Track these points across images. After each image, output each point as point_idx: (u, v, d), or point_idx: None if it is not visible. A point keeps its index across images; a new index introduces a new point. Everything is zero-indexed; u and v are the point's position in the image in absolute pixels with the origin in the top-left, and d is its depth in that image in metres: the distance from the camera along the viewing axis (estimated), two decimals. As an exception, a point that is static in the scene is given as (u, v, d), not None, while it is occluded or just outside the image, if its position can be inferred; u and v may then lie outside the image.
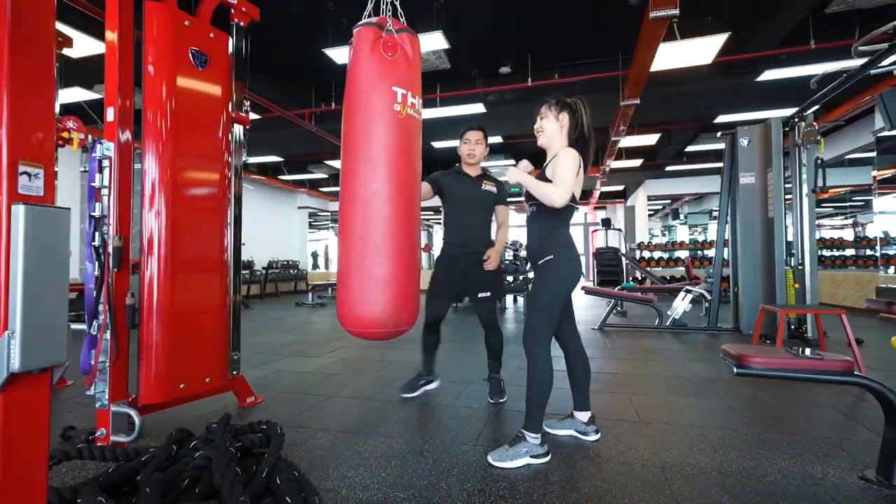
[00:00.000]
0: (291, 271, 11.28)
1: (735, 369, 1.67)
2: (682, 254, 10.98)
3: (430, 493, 1.53)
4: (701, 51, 4.49)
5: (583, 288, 5.81)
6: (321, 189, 12.60)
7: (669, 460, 1.78)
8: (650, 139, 7.74)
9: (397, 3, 1.99)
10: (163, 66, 2.08)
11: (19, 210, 0.72)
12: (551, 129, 1.93)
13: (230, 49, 2.41)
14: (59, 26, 3.77)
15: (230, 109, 2.39)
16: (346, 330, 1.81)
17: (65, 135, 2.13)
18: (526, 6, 4.29)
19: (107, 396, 1.90)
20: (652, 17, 3.41)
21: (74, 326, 2.18)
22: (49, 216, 0.77)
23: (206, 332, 2.23)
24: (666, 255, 11.13)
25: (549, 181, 1.82)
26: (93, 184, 1.89)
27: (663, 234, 20.07)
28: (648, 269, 10.06)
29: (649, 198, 11.71)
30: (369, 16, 1.94)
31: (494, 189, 2.56)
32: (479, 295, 2.48)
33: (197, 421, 2.20)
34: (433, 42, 4.14)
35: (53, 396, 2.64)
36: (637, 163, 9.46)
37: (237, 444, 1.67)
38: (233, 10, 2.48)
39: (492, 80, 5.69)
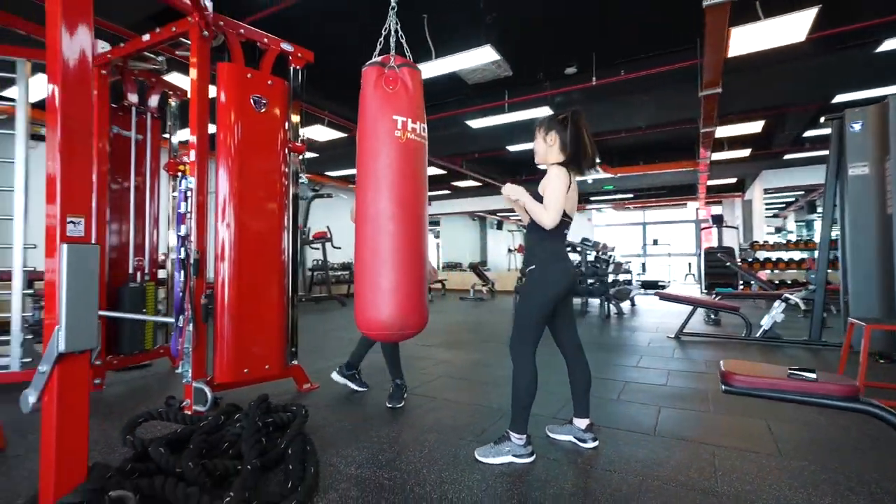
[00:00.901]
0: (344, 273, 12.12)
1: (722, 387, 1.60)
2: (802, 255, 9.46)
3: (409, 477, 1.75)
4: (789, 28, 3.97)
5: (656, 293, 5.45)
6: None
7: (658, 475, 1.75)
8: (754, 127, 6.88)
9: (403, 41, 2.23)
10: (229, 111, 2.60)
11: (65, 248, 1.12)
12: (540, 148, 2.02)
13: (287, 91, 2.87)
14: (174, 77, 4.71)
15: (286, 140, 2.86)
16: (360, 331, 2.10)
17: (181, 167, 2.73)
18: (582, 7, 4.22)
19: (190, 375, 2.44)
20: (706, 6, 3.16)
21: (157, 318, 2.81)
22: (84, 250, 1.16)
23: (266, 326, 2.70)
24: (789, 256, 9.68)
25: (540, 197, 1.91)
26: (180, 210, 2.46)
27: (799, 231, 17.33)
28: (753, 272, 8.88)
29: (766, 191, 10.28)
30: (381, 52, 2.22)
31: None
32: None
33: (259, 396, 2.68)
34: (485, 55, 4.30)
35: (169, 375, 3.39)
36: (744, 153, 8.43)
37: (268, 419, 2.06)
38: (290, 57, 2.95)
39: (560, 82, 5.63)
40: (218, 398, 2.60)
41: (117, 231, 3.28)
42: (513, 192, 1.98)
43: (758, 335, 4.54)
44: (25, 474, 1.75)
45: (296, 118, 2.97)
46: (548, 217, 1.83)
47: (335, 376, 2.92)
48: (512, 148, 7.90)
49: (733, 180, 12.05)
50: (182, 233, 2.45)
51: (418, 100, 2.11)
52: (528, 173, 10.74)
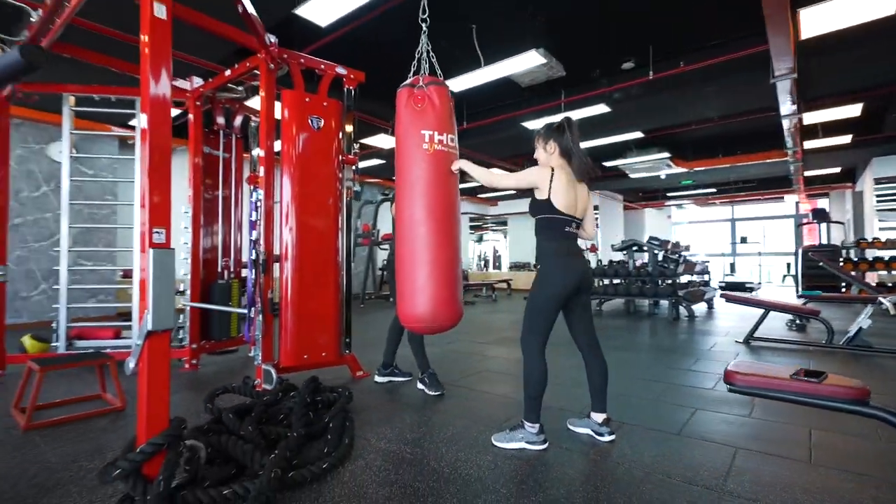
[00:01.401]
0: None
1: (726, 386, 1.62)
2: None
3: (429, 453, 1.96)
4: (875, 2, 3.58)
5: (722, 294, 5.12)
6: (480, 196, 13.55)
7: (666, 469, 1.79)
8: (851, 110, 6.13)
9: (434, 62, 2.44)
10: (291, 130, 3.00)
11: (151, 252, 1.49)
12: (542, 157, 2.14)
13: (340, 109, 3.23)
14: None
15: (339, 152, 3.21)
16: (401, 323, 2.35)
17: (258, 180, 3.20)
18: (635, 2, 4.13)
19: (259, 358, 2.87)
20: (758, -8, 3.00)
21: (239, 310, 3.30)
22: (166, 254, 1.52)
23: (323, 319, 3.07)
24: (907, 255, 8.42)
25: (538, 200, 2.04)
26: (251, 218, 2.90)
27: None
28: (860, 272, 7.85)
29: (878, 181, 8.99)
30: (416, 73, 2.44)
31: None
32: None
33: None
34: (534, 59, 4.38)
35: (250, 358, 3.92)
36: (844, 139, 7.51)
37: (317, 398, 2.39)
38: (344, 79, 3.31)
39: (617, 78, 5.50)
40: (284, 379, 3.01)
41: (209, 235, 3.88)
42: (459, 164, 2.17)
43: (842, 342, 4.12)
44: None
45: (349, 128, 3.31)
46: (497, 177, 2.12)
47: (378, 379, 3.14)
48: (573, 146, 7.80)
49: (837, 170, 10.70)
50: (253, 237, 2.89)
51: (445, 113, 2.29)
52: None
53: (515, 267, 14.89)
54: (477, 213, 14.38)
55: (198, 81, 3.65)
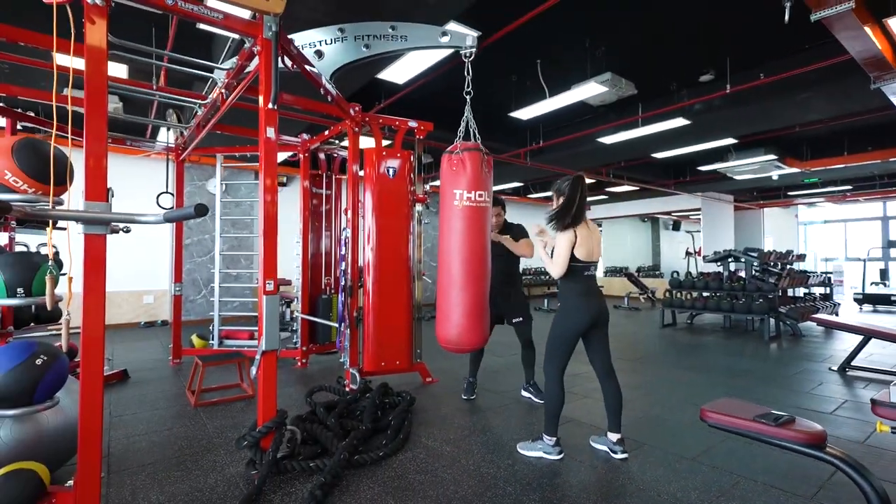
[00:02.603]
0: (543, 277, 12.65)
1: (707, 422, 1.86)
2: None
3: (462, 452, 2.46)
4: None
5: (812, 318, 4.72)
6: (570, 201, 13.43)
7: (654, 487, 2.06)
8: None
9: (474, 129, 2.91)
10: (371, 177, 3.69)
11: (265, 298, 2.21)
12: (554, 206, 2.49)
13: (411, 158, 3.86)
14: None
15: (409, 192, 3.84)
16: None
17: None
18: (706, 15, 4.09)
19: (348, 363, 3.62)
20: (814, 19, 2.91)
21: (332, 323, 4.09)
22: (272, 299, 2.24)
23: (396, 331, 3.72)
24: None
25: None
26: (341, 252, 3.66)
27: None
28: None
29: None
30: (463, 137, 2.94)
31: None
32: (513, 321, 3.28)
33: (396, 386, 3.71)
34: (593, 88, 4.57)
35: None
36: None
37: (385, 400, 3.03)
38: (415, 131, 3.93)
39: (696, 90, 5.34)
40: (367, 380, 3.74)
41: (315, 256, 4.80)
42: (537, 243, 2.50)
43: (960, 378, 3.66)
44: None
45: (420, 164, 3.92)
46: (553, 269, 2.39)
47: (523, 393, 3.50)
48: (658, 155, 7.57)
49: None
50: (342, 268, 3.64)
51: (475, 174, 2.72)
52: (687, 174, 9.84)
53: (610, 272, 14.45)
54: (568, 217, 14.25)
55: (307, 136, 4.57)
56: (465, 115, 2.93)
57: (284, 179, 8.43)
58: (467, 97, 2.91)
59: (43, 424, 2.05)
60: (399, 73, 4.24)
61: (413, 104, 5.27)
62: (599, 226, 2.55)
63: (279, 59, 2.48)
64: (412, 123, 3.90)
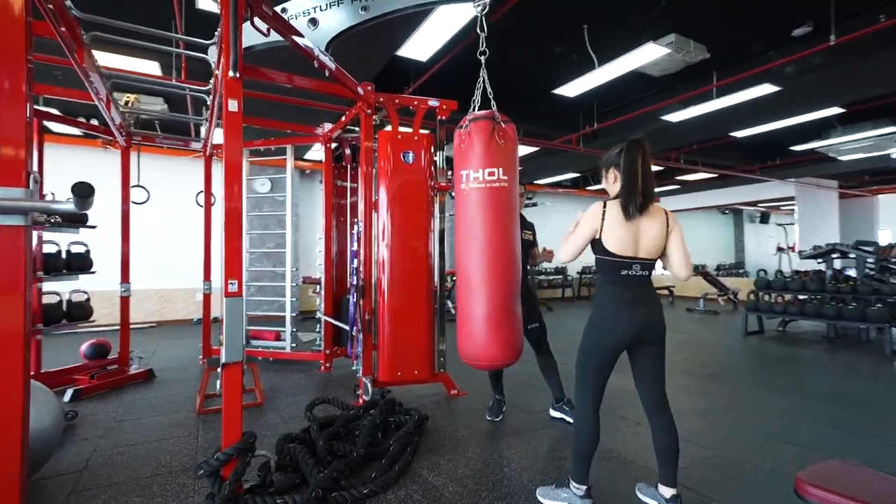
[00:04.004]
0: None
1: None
2: None
3: (468, 494, 1.97)
4: None
5: None
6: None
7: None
8: None
9: (490, 96, 2.40)
10: (385, 165, 3.29)
11: (226, 301, 1.87)
12: (609, 190, 1.91)
13: (431, 140, 3.40)
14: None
15: (432, 182, 3.39)
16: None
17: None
18: None
19: (360, 371, 3.25)
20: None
21: (343, 325, 3.73)
22: (236, 302, 1.90)
23: (414, 338, 3.29)
24: None
25: (594, 238, 1.82)
26: (353, 248, 3.29)
27: None
28: None
29: None
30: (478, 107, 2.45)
31: (531, 237, 2.91)
32: (529, 326, 2.78)
33: (417, 398, 3.30)
34: (651, 53, 3.84)
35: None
36: None
37: (390, 419, 2.61)
38: (437, 110, 3.47)
39: (789, 48, 4.37)
40: (384, 392, 3.35)
41: (340, 253, 4.51)
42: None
43: None
44: (269, 420, 2.80)
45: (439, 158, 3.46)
46: (560, 252, 1.90)
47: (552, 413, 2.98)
48: (738, 134, 6.47)
49: None
50: (355, 265, 3.28)
51: (484, 148, 2.24)
52: (776, 157, 8.44)
53: (684, 271, 13.03)
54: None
55: (327, 126, 4.29)
56: (480, 78, 2.43)
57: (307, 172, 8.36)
58: (482, 58, 2.41)
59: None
60: (420, 48, 3.80)
61: (445, 84, 4.81)
62: (666, 214, 1.87)
63: (250, 21, 2.14)
64: (432, 102, 3.44)
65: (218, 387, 3.35)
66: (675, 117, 5.62)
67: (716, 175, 9.42)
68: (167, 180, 7.08)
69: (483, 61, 2.42)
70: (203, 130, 4.59)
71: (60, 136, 6.40)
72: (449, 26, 3.50)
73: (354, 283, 3.30)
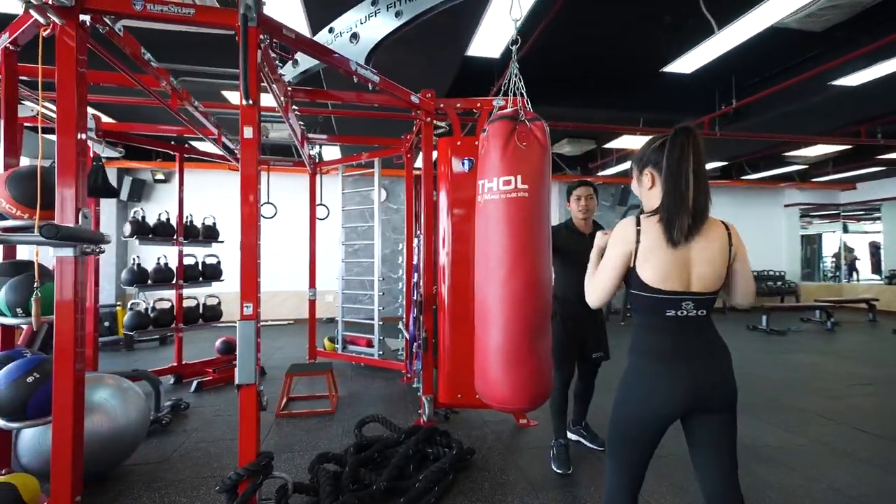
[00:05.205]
0: (768, 283, 9.55)
1: None
2: None
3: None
4: None
5: None
6: (816, 180, 9.77)
7: None
8: None
9: (522, 86, 2.05)
10: (445, 172, 3.10)
11: (240, 324, 1.92)
12: (640, 195, 1.42)
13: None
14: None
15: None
16: None
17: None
18: None
19: (421, 389, 3.13)
20: None
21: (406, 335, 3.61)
22: (249, 325, 1.93)
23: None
24: None
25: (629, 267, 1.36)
26: (414, 262, 3.19)
27: None
28: None
29: None
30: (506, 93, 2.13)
31: None
32: (594, 355, 2.44)
33: (484, 423, 3.08)
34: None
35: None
36: None
37: (429, 450, 2.42)
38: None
39: None
40: (448, 413, 3.19)
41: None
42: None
43: None
44: (333, 431, 2.89)
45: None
46: (589, 295, 1.40)
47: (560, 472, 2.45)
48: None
49: None
50: (415, 279, 3.17)
51: (501, 153, 1.94)
52: None
53: (892, 277, 9.98)
54: (814, 202, 10.46)
55: (408, 135, 4.29)
56: (510, 70, 2.10)
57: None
58: (513, 48, 2.08)
59: (90, 430, 2.23)
60: (488, 45, 3.51)
61: (529, 78, 4.42)
62: (727, 229, 1.31)
63: (270, 46, 2.17)
64: (497, 102, 3.14)
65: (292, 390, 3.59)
66: (853, 80, 4.23)
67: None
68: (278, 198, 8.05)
69: (514, 51, 2.08)
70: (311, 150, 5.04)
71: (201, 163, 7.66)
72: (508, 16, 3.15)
73: (414, 297, 3.19)
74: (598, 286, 1.36)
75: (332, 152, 6.92)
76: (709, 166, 8.34)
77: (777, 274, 9.84)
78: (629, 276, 1.33)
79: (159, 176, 7.75)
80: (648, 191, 1.38)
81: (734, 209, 10.05)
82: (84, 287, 1.82)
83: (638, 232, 1.30)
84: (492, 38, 3.41)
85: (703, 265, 1.28)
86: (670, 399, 1.27)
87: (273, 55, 2.45)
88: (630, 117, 5.52)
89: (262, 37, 2.03)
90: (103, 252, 2.06)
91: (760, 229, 10.18)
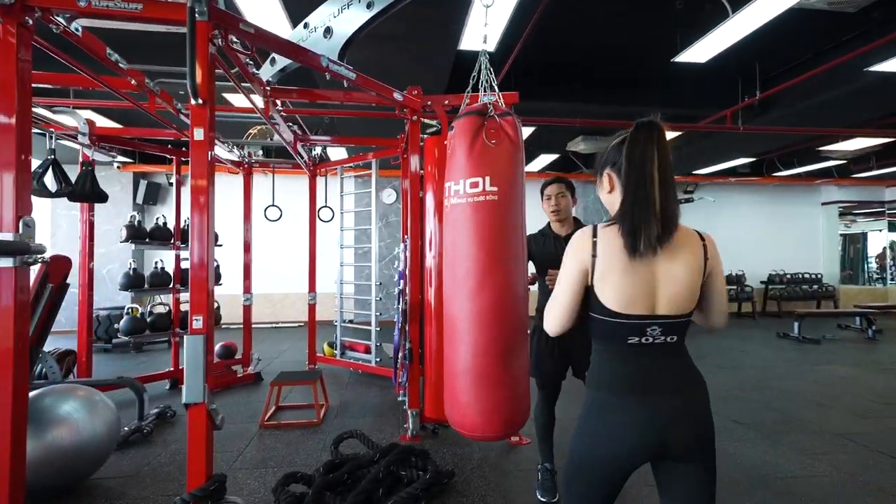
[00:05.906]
0: (803, 287, 8.94)
1: None
2: None
3: None
4: None
5: None
6: (856, 176, 9.08)
7: None
8: None
9: (493, 79, 1.86)
10: (431, 174, 2.94)
11: (187, 339, 1.80)
12: (604, 200, 1.21)
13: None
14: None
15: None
16: None
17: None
18: None
19: (406, 403, 2.97)
20: None
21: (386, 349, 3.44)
22: (197, 340, 1.81)
23: (464, 374, 2.86)
24: None
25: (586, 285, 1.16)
26: (398, 269, 3.03)
27: None
28: None
29: None
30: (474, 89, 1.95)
31: None
32: (586, 373, 1.95)
33: (471, 441, 2.88)
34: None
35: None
36: None
37: (402, 472, 2.25)
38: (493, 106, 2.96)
39: None
40: (435, 428, 3.01)
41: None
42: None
43: None
44: (313, 445, 2.77)
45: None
46: (546, 318, 1.18)
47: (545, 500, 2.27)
48: None
49: None
50: (400, 286, 3.01)
51: (466, 153, 1.76)
52: None
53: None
54: (855, 199, 9.75)
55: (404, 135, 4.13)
56: (477, 67, 1.93)
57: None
58: (484, 45, 1.90)
59: (52, 443, 2.17)
60: (477, 39, 3.30)
61: (530, 72, 4.19)
62: (703, 240, 1.11)
63: (224, 41, 2.05)
64: (486, 98, 2.94)
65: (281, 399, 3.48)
66: (892, 66, 3.83)
67: None
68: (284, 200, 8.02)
69: (485, 38, 1.92)
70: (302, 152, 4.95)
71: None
72: (500, 6, 2.94)
73: (397, 306, 3.03)
74: (551, 310, 1.16)
75: (340, 153, 6.85)
76: (734, 163, 7.87)
77: (813, 276, 9.21)
78: (589, 295, 1.13)
79: (174, 179, 7.86)
80: (608, 195, 1.17)
81: (766, 208, 9.48)
82: (25, 293, 1.73)
83: (594, 244, 1.10)
84: (484, 28, 3.21)
85: (673, 283, 1.06)
86: (629, 442, 1.06)
87: (244, 53, 2.33)
88: (641, 112, 5.19)
89: (214, 32, 1.91)
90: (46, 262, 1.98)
91: (795, 229, 9.57)
